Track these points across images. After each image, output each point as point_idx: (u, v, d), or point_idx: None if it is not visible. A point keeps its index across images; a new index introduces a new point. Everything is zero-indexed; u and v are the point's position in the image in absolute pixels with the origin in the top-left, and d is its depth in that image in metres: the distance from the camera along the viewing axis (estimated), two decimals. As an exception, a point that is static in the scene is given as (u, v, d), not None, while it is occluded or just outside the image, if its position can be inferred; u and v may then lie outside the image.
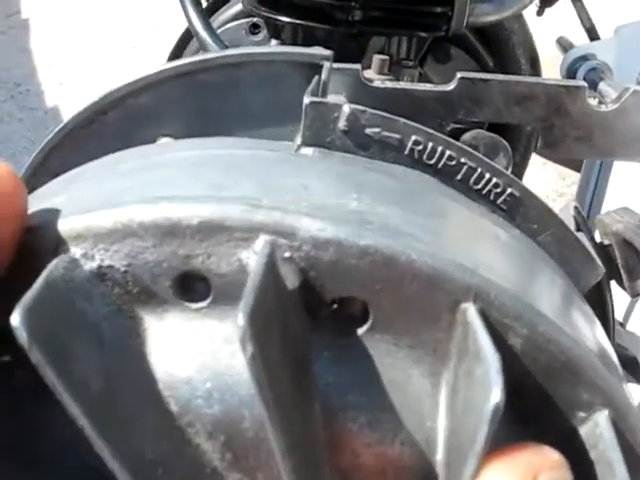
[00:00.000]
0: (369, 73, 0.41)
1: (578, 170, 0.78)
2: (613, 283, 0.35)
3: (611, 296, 0.33)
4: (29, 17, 2.61)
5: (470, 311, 0.19)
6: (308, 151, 0.24)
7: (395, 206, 0.21)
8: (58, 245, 0.19)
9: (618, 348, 0.47)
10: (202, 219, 0.19)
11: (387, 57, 0.39)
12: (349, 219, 0.19)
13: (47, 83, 2.29)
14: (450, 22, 0.45)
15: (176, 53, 0.64)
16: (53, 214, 0.20)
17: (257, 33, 0.53)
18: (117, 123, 0.31)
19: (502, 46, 0.51)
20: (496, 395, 0.17)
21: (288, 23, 0.48)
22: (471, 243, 0.22)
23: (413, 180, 0.24)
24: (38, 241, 0.20)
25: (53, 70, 2.34)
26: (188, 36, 0.62)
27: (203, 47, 0.50)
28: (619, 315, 0.49)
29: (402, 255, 0.19)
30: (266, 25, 0.52)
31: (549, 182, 1.79)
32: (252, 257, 0.19)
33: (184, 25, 0.64)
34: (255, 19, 0.53)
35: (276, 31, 0.51)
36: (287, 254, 0.19)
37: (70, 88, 2.19)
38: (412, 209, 0.22)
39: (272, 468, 0.20)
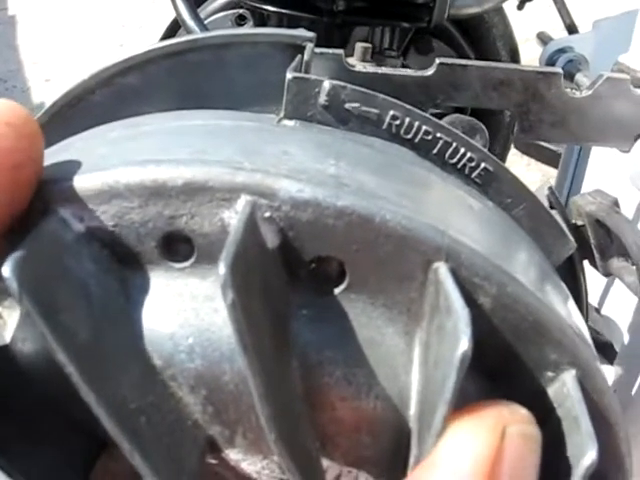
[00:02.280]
0: (352, 60, 0.42)
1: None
2: (586, 264, 0.36)
3: (584, 274, 0.34)
4: (16, 14, 2.61)
5: (441, 270, 0.20)
6: (289, 122, 0.25)
7: (371, 173, 0.22)
8: (48, 206, 0.20)
9: (593, 333, 0.48)
10: (186, 180, 0.19)
11: (369, 45, 0.40)
12: (327, 182, 0.20)
13: (33, 79, 2.28)
14: (432, 13, 0.46)
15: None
16: (43, 177, 0.21)
17: (243, 24, 0.54)
18: (105, 102, 0.31)
19: (483, 39, 0.52)
20: (464, 344, 0.17)
21: (273, 12, 0.48)
22: (444, 209, 0.23)
23: (390, 151, 0.25)
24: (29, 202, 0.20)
25: (39, 66, 2.33)
26: (175, 27, 0.62)
27: (190, 37, 0.50)
28: (594, 300, 0.50)
29: (377, 216, 0.19)
30: (252, 16, 0.53)
31: (533, 182, 1.80)
32: (234, 217, 0.20)
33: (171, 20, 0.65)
34: (241, 10, 0.53)
35: (262, 22, 0.52)
36: (267, 214, 0.20)
37: (56, 85, 2.19)
38: (388, 177, 0.23)
39: (252, 421, 0.21)
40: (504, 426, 0.19)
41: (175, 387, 0.20)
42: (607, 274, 0.35)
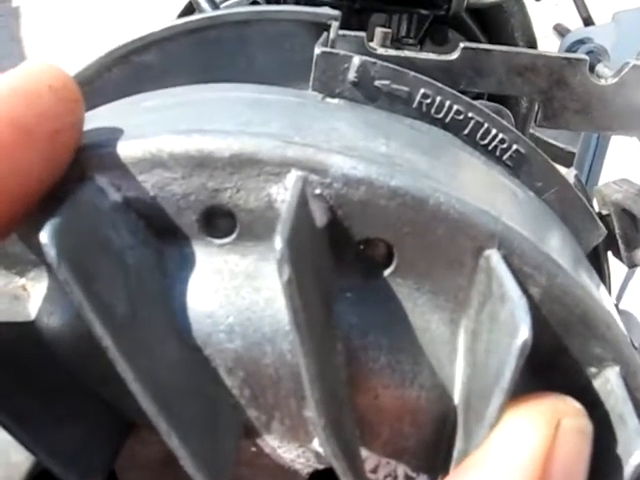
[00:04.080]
0: (372, 45, 0.42)
1: (568, 166, 0.79)
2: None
3: (608, 265, 0.33)
4: (20, 5, 2.60)
5: (494, 257, 0.19)
6: (333, 100, 0.24)
7: (422, 154, 0.21)
8: (84, 173, 0.19)
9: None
10: (234, 152, 0.19)
11: (389, 30, 0.39)
12: (380, 160, 0.19)
13: (37, 72, 2.27)
14: (451, 1, 0.45)
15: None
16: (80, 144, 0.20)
17: (257, 9, 0.53)
18: (121, 80, 0.31)
19: (500, 29, 0.51)
20: (524, 332, 0.17)
21: (290, -4, 0.48)
22: (493, 194, 0.22)
23: (434, 134, 0.24)
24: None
25: (43, 58, 2.32)
26: (189, 11, 0.62)
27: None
28: (612, 295, 0.49)
29: (430, 198, 0.19)
30: (267, 1, 0.52)
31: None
32: (282, 193, 0.19)
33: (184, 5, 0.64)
34: (255, -4, 0.53)
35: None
36: (317, 191, 0.19)
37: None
38: (438, 159, 0.22)
39: (290, 407, 0.20)
40: (559, 419, 0.18)
41: (212, 368, 0.20)
42: (632, 265, 0.34)
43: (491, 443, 0.17)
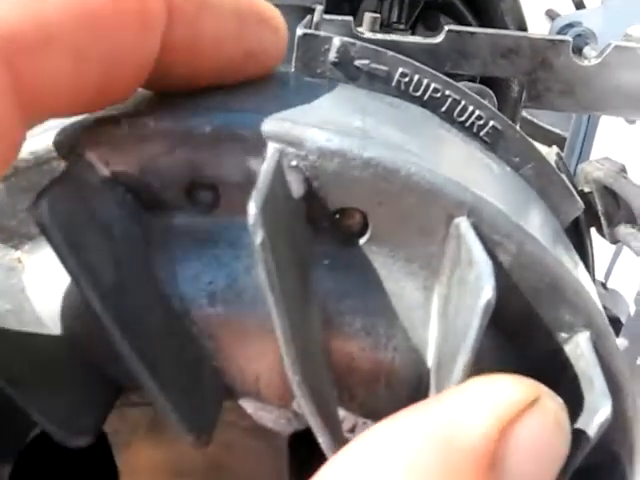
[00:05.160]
0: (360, 29, 0.42)
1: (560, 149, 0.79)
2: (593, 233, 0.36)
3: (591, 241, 0.34)
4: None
5: (463, 224, 0.20)
6: (311, 79, 0.25)
7: (397, 129, 0.22)
8: (73, 149, 0.20)
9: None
10: (215, 127, 0.20)
11: (378, 15, 0.40)
12: (354, 133, 0.20)
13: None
14: (441, -14, 0.46)
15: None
16: (70, 122, 0.20)
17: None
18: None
19: (491, 13, 0.52)
20: (487, 292, 0.17)
21: (283, -17, 0.48)
22: (466, 167, 0.23)
23: (414, 112, 0.25)
24: (55, 146, 0.20)
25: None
26: None
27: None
28: (600, 275, 0.50)
29: (402, 169, 0.20)
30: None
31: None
32: (260, 165, 0.19)
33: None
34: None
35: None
36: (294, 162, 0.20)
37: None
38: (412, 133, 0.23)
39: (270, 368, 0.21)
40: (541, 394, 0.17)
41: (195, 332, 0.21)
42: (614, 241, 0.35)
43: (458, 388, 0.17)
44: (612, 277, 0.47)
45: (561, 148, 0.79)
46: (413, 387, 0.21)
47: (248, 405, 0.22)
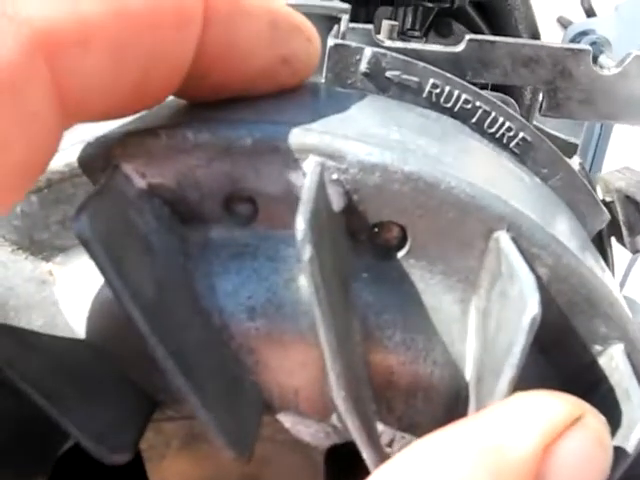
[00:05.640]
0: (379, 37, 0.42)
1: (570, 156, 0.78)
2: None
3: (612, 251, 0.34)
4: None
5: (503, 238, 0.20)
6: (348, 91, 0.25)
7: (433, 140, 0.22)
8: (110, 162, 0.20)
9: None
10: (255, 139, 0.19)
11: (396, 22, 0.40)
12: (394, 146, 0.20)
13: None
14: (455, -6, 0.46)
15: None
16: (105, 133, 0.20)
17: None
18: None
19: (504, 22, 0.52)
20: (533, 307, 0.17)
21: (297, -11, 0.48)
22: (501, 179, 0.23)
23: (444, 122, 0.25)
24: (90, 158, 0.20)
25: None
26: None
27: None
28: (616, 280, 0.50)
29: (442, 182, 0.19)
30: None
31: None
32: (300, 178, 0.20)
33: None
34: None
35: (283, 1, 0.52)
36: (335, 176, 0.19)
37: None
38: (447, 144, 0.23)
39: (309, 383, 0.21)
40: (584, 413, 0.17)
41: (235, 347, 0.20)
42: (635, 251, 0.35)
43: (504, 404, 0.17)
44: (628, 284, 0.48)
45: (566, 153, 0.79)
46: (451, 401, 0.21)
47: (286, 419, 0.22)
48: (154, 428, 0.22)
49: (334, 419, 0.22)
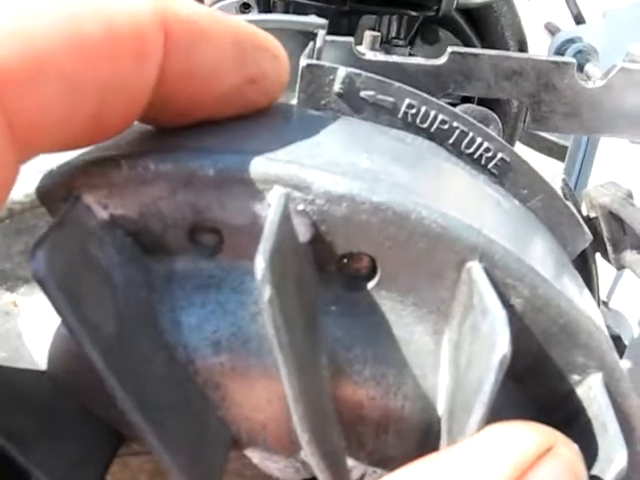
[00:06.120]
0: (360, 49, 0.42)
1: (561, 159, 0.78)
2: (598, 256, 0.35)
3: (596, 267, 0.34)
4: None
5: (476, 269, 0.19)
6: (316, 112, 0.24)
7: (404, 167, 0.22)
8: (71, 192, 0.19)
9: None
10: (218, 169, 0.19)
11: (379, 33, 0.39)
12: (362, 176, 0.20)
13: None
14: (440, 2, 0.45)
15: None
16: (66, 162, 0.20)
17: (247, 12, 0.53)
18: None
19: (491, 29, 0.52)
20: (503, 346, 0.17)
21: (281, 0, 0.48)
22: (476, 206, 0.22)
23: (418, 145, 0.24)
24: (50, 188, 0.20)
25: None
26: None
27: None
28: (602, 294, 0.49)
29: (413, 213, 0.19)
30: (257, 4, 0.52)
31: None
32: (265, 209, 0.19)
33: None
34: (246, -2, 0.53)
35: (267, 9, 0.51)
36: (300, 207, 0.19)
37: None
38: (420, 172, 0.22)
39: (276, 419, 0.20)
40: (555, 443, 0.17)
41: (200, 382, 0.20)
42: (620, 267, 0.34)
43: (475, 439, 0.17)
44: (614, 297, 0.47)
45: (558, 156, 0.78)
46: (423, 435, 0.21)
47: (254, 454, 0.21)
48: (120, 463, 0.21)
49: (303, 454, 0.21)
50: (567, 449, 0.17)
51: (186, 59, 0.19)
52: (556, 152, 1.05)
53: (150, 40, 0.18)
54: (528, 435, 0.17)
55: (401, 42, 0.48)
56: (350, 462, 0.21)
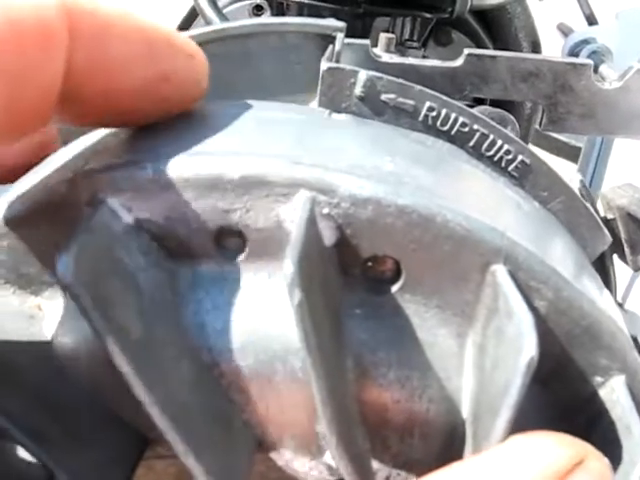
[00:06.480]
0: (376, 51, 0.42)
1: (573, 160, 0.78)
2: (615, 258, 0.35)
3: (614, 269, 0.33)
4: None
5: (500, 272, 0.19)
6: (339, 116, 0.24)
7: (426, 169, 0.22)
8: (95, 196, 0.19)
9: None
10: (244, 173, 0.19)
11: (393, 35, 0.39)
12: (387, 179, 0.20)
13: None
14: (454, 4, 0.45)
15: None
16: (91, 164, 0.20)
17: (260, 14, 0.53)
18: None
19: (504, 30, 0.51)
20: (530, 349, 0.17)
21: (294, 2, 0.48)
22: (498, 209, 0.22)
23: (440, 148, 0.24)
24: (75, 192, 0.20)
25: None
26: (192, 18, 0.62)
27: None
28: (617, 295, 0.49)
29: (438, 215, 0.19)
30: (269, 6, 0.52)
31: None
32: (290, 212, 0.19)
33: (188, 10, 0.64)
34: (259, 1, 0.53)
35: (280, 12, 0.51)
36: (326, 211, 0.19)
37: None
38: (444, 175, 0.22)
39: (302, 422, 0.20)
40: (586, 456, 0.17)
41: (225, 385, 0.20)
42: (637, 269, 0.34)
43: (505, 447, 0.17)
44: (630, 298, 0.47)
45: (570, 157, 0.78)
46: (447, 438, 0.21)
47: (279, 457, 0.21)
48: (145, 466, 0.22)
49: (327, 457, 0.21)
50: (598, 463, 0.17)
51: (93, 51, 0.19)
52: (566, 152, 1.05)
53: (55, 32, 0.18)
54: (558, 448, 0.17)
55: (415, 44, 0.48)
56: (375, 465, 0.21)
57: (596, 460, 0.17)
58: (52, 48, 0.18)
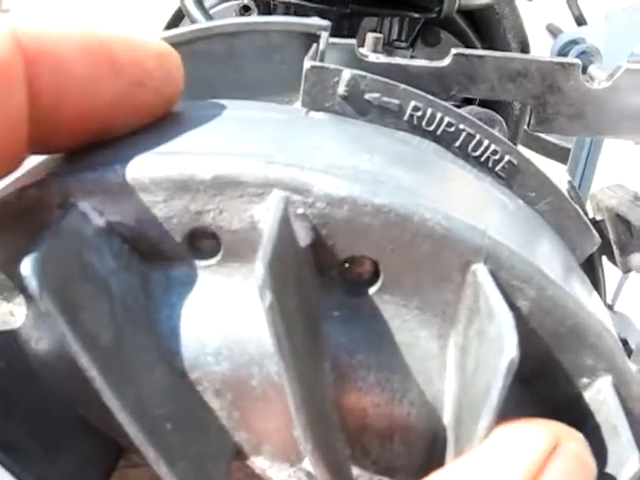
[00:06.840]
0: (363, 51, 0.41)
1: (562, 161, 0.78)
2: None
3: (603, 271, 0.33)
4: (10, 7, 2.58)
5: (481, 271, 0.19)
6: (317, 114, 0.24)
7: (406, 169, 0.21)
8: (66, 199, 0.19)
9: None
10: (216, 173, 0.18)
11: (381, 35, 0.39)
12: (363, 178, 0.19)
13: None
14: (442, 4, 0.45)
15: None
16: (62, 168, 0.19)
17: (248, 14, 0.53)
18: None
19: (493, 30, 0.51)
20: (511, 350, 0.16)
21: (281, 2, 0.47)
22: (481, 208, 0.22)
23: (422, 147, 0.24)
24: (46, 194, 0.19)
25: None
26: (178, 19, 0.61)
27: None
28: (607, 297, 0.49)
29: (415, 215, 0.18)
30: (257, 6, 0.52)
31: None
32: (264, 213, 0.19)
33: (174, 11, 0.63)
34: (246, 1, 0.52)
35: (267, 12, 0.51)
36: (300, 211, 0.18)
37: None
38: (423, 173, 0.22)
39: (279, 427, 0.20)
40: (560, 439, 0.17)
41: (200, 391, 0.19)
42: (626, 270, 0.34)
43: (485, 446, 0.17)
44: (619, 300, 0.47)
45: (559, 158, 0.78)
46: (429, 442, 0.20)
47: (257, 465, 0.21)
48: (119, 475, 0.21)
49: (306, 464, 0.21)
50: (573, 442, 0.17)
51: (53, 74, 0.19)
52: (554, 153, 1.05)
53: (9, 64, 0.18)
54: (534, 436, 0.17)
55: (403, 44, 0.48)
56: (355, 471, 0.20)
57: (572, 441, 0.17)
58: (9, 80, 0.18)
